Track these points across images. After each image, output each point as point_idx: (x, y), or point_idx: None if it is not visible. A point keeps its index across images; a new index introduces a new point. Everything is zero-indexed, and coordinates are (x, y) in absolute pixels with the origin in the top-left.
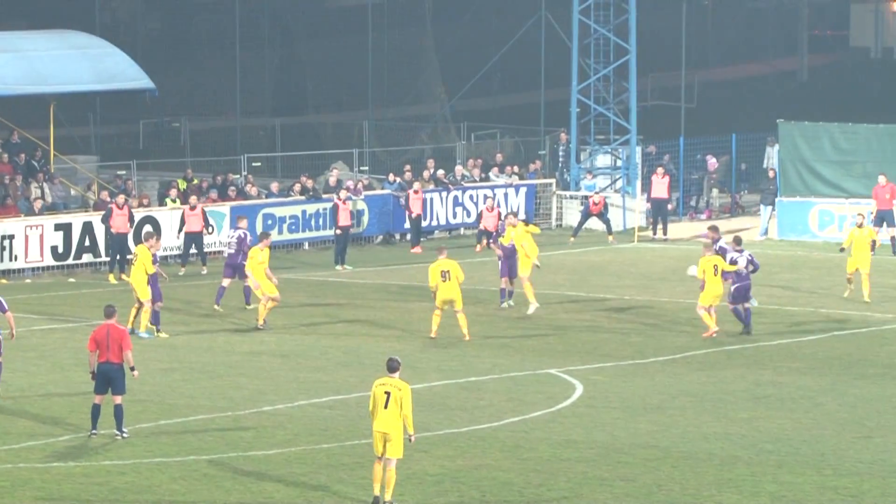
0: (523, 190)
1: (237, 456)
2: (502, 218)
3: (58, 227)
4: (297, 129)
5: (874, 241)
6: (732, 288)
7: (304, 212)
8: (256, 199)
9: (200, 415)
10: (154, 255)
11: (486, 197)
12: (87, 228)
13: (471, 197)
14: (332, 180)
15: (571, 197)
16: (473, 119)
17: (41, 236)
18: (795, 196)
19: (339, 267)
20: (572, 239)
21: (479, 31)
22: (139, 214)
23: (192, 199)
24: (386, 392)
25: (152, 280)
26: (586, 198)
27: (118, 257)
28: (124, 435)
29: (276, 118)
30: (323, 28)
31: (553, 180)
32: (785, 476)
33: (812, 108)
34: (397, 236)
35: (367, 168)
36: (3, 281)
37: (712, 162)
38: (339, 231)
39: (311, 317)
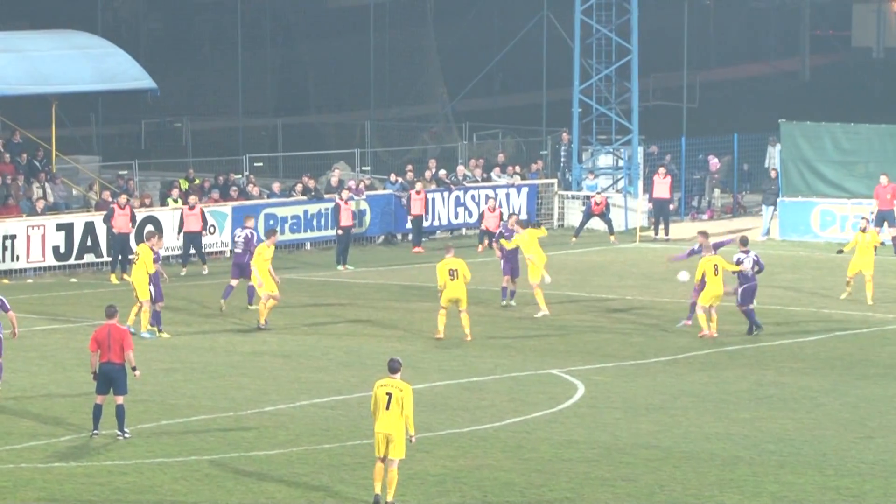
0: (525, 190)
1: (239, 456)
2: (504, 218)
3: (59, 227)
4: (298, 129)
5: (876, 247)
6: (740, 289)
7: (305, 212)
8: (258, 199)
9: (202, 415)
10: (156, 254)
11: (487, 197)
12: (89, 228)
13: (472, 197)
14: (334, 180)
15: (573, 197)
16: (475, 119)
17: (43, 236)
18: (797, 196)
19: (340, 267)
20: (574, 239)
21: (481, 31)
22: (141, 214)
23: (192, 198)
24: (387, 393)
25: (154, 280)
26: (588, 198)
27: (120, 257)
28: (126, 435)
29: (277, 118)
30: (325, 28)
31: (555, 180)
32: (787, 476)
33: (814, 108)
34: (399, 236)
35: (368, 168)
36: (5, 281)
37: (714, 162)
38: (340, 231)
39: (312, 317)
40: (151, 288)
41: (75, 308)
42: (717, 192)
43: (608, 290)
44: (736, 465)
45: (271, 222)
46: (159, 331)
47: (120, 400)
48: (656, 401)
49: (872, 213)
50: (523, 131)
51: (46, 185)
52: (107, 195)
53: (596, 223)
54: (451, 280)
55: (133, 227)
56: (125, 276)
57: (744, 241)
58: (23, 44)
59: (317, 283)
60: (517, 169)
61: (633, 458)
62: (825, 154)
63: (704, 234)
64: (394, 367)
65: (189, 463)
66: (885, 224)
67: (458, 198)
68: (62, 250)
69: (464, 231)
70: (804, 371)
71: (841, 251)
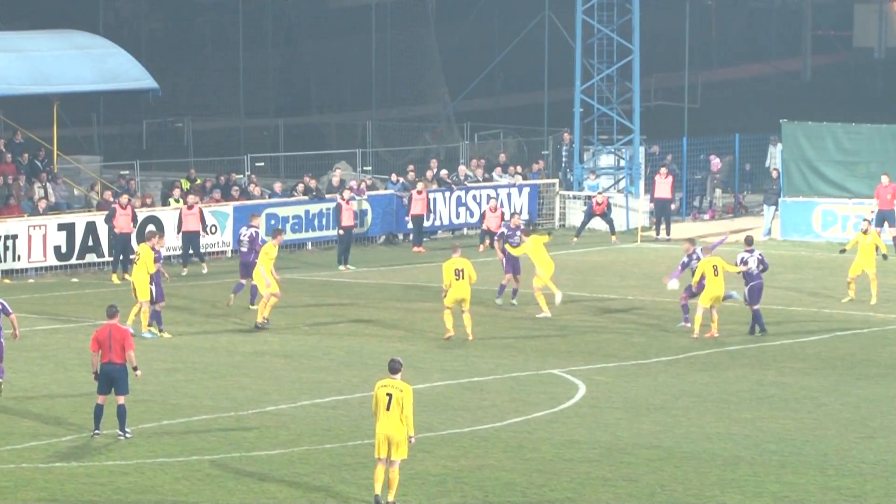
0: (526, 190)
1: (240, 456)
2: (506, 218)
3: (61, 227)
4: (300, 129)
5: (877, 247)
6: (746, 288)
7: (307, 212)
8: (260, 199)
9: (203, 415)
10: (157, 253)
11: (489, 197)
12: (91, 228)
13: (474, 197)
14: (336, 180)
15: (574, 197)
16: (477, 119)
17: (44, 236)
18: (799, 196)
19: (342, 267)
20: (575, 239)
21: (483, 31)
22: (142, 214)
23: (190, 198)
24: (388, 394)
25: (155, 280)
26: (589, 198)
27: (121, 257)
28: (127, 435)
29: (279, 118)
30: (326, 28)
31: (556, 180)
32: (788, 476)
33: (815, 108)
34: (400, 236)
35: (370, 168)
36: (7, 281)
37: (715, 162)
38: (342, 231)
39: (314, 317)
40: (152, 288)
41: (76, 308)
42: (718, 192)
43: (609, 291)
44: (737, 465)
45: (273, 222)
46: (160, 330)
47: (121, 400)
48: (657, 401)
49: (872, 212)
50: (525, 131)
51: (48, 185)
52: (108, 195)
53: (597, 223)
54: (457, 280)
55: (134, 227)
56: (126, 276)
57: (748, 241)
58: (24, 44)
59: (318, 283)
60: (518, 169)
61: (634, 458)
62: (826, 154)
63: (691, 241)
64: (394, 368)
65: (190, 463)
66: (886, 224)
67: (459, 198)
68: (63, 250)
69: (465, 231)
70: (805, 371)
71: (843, 251)
